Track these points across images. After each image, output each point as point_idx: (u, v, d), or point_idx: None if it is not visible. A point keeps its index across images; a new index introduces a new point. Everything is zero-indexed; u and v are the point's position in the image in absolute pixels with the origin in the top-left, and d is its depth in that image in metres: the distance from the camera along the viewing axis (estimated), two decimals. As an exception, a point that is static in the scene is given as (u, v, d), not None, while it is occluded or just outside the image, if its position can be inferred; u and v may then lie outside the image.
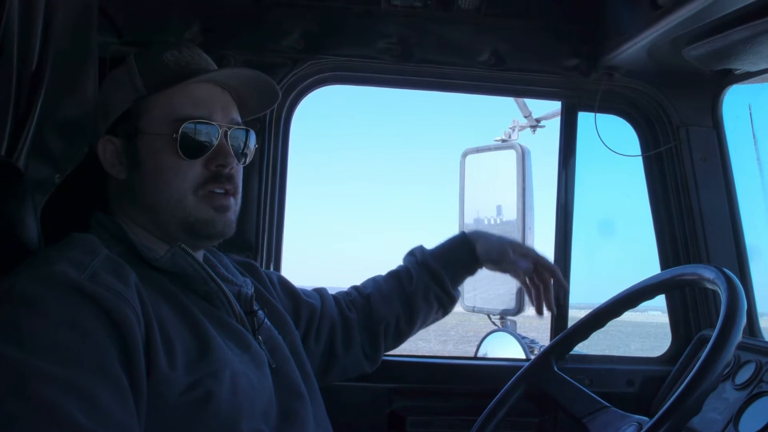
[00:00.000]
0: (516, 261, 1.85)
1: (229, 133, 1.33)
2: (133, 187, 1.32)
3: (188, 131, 1.28)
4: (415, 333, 1.86)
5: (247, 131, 1.39)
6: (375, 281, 1.86)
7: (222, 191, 1.32)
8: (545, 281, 1.86)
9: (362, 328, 1.77)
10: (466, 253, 1.86)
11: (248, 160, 1.41)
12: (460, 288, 1.89)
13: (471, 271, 1.88)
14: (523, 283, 1.88)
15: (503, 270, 1.87)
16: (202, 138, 1.30)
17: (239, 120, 1.39)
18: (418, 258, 1.85)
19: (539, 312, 1.87)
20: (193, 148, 1.29)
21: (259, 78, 1.42)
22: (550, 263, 1.88)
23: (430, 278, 1.82)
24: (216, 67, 1.42)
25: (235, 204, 1.35)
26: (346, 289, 1.87)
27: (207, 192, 1.30)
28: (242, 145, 1.37)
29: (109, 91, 1.39)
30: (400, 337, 1.83)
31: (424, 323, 1.86)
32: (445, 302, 1.85)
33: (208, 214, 1.30)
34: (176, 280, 1.26)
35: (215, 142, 1.31)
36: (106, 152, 1.34)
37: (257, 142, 2.01)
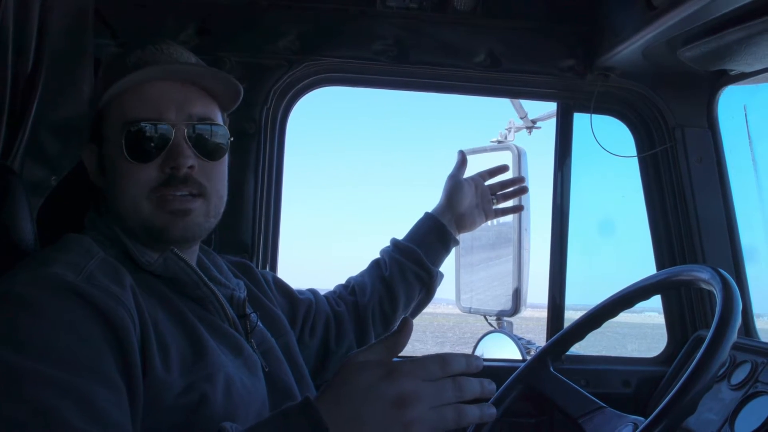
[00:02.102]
0: (475, 201, 1.93)
1: (186, 130, 1.25)
2: (105, 194, 1.30)
3: (133, 134, 1.22)
4: (400, 315, 1.84)
5: (215, 125, 1.30)
6: (359, 274, 1.88)
7: (180, 194, 1.24)
8: (499, 185, 1.98)
9: (352, 320, 1.78)
10: (433, 225, 1.88)
11: (220, 155, 1.31)
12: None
13: (443, 241, 1.89)
14: (493, 211, 1.98)
15: (473, 221, 1.94)
16: (151, 140, 1.23)
17: (207, 114, 1.29)
18: (390, 244, 1.88)
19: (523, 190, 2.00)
20: (140, 151, 1.22)
21: (209, 71, 1.33)
22: (482, 174, 1.97)
23: (404, 257, 1.83)
24: (185, 62, 1.33)
25: (204, 205, 1.27)
26: (332, 289, 1.88)
27: (162, 196, 1.24)
28: (207, 141, 1.28)
29: (91, 98, 1.38)
30: (387, 322, 1.83)
31: (409, 305, 1.85)
32: (424, 278, 1.84)
33: (164, 219, 1.24)
34: (170, 284, 1.26)
35: (168, 143, 1.23)
36: (88, 160, 1.32)
37: (253, 144, 2.01)
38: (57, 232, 1.27)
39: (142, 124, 1.22)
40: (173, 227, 1.24)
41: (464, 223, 1.92)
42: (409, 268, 1.82)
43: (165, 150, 1.23)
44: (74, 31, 1.53)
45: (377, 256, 1.88)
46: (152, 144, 1.23)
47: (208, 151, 1.28)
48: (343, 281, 1.88)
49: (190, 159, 1.24)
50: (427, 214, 1.90)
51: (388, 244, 1.90)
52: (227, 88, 1.34)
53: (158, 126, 1.23)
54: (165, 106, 1.25)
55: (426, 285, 1.85)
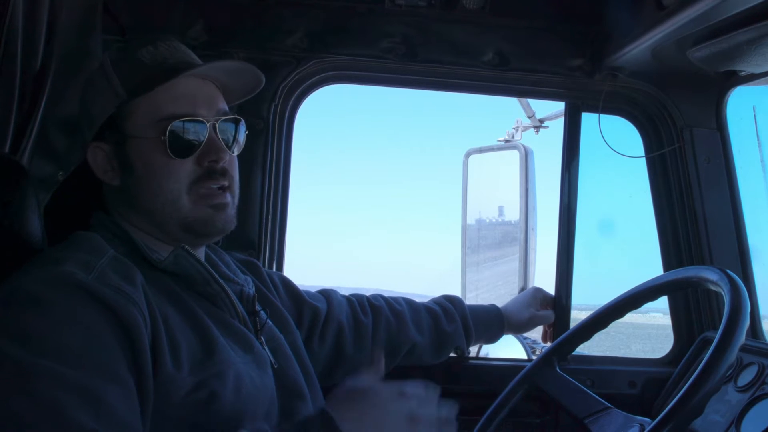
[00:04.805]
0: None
1: (217, 126, 1.29)
2: (128, 192, 1.29)
3: (176, 130, 1.24)
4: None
5: (236, 120, 1.35)
6: (411, 307, 1.92)
7: (217, 186, 1.29)
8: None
9: (379, 339, 1.80)
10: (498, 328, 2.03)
11: (239, 149, 1.37)
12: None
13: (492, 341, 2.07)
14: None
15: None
16: (191, 136, 1.26)
17: (226, 109, 1.34)
18: (458, 313, 1.95)
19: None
20: (182, 147, 1.25)
21: (240, 67, 1.38)
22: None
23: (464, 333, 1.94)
24: (197, 59, 1.36)
25: (232, 198, 1.32)
26: (370, 295, 1.90)
27: (201, 189, 1.28)
28: (232, 136, 1.33)
29: (90, 97, 1.32)
30: (420, 362, 1.92)
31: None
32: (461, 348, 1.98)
33: (206, 213, 1.28)
34: (180, 281, 1.26)
35: (204, 138, 1.27)
36: (97, 159, 1.30)
37: (260, 141, 2.01)
38: (63, 227, 1.27)
39: (182, 120, 1.25)
40: (216, 220, 1.29)
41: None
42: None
43: (202, 145, 1.27)
44: (83, 29, 1.54)
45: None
46: (191, 140, 1.27)
47: (231, 145, 1.33)
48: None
49: (227, 153, 1.30)
50: (498, 314, 2.03)
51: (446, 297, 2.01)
52: (248, 87, 1.41)
53: (196, 122, 1.27)
54: (197, 103, 1.29)
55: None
